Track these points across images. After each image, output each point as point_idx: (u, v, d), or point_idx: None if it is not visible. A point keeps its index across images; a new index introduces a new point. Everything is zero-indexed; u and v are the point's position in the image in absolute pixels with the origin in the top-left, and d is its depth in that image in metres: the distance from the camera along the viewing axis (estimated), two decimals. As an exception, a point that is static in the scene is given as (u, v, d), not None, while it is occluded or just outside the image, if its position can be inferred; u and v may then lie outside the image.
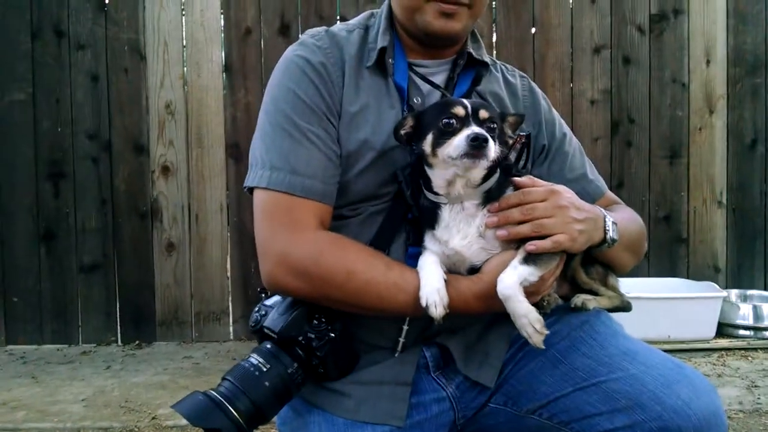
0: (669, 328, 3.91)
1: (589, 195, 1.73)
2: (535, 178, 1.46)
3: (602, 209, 1.52)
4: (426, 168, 1.44)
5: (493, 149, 1.33)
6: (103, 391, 3.51)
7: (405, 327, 1.50)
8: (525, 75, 1.87)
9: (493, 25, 4.52)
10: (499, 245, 1.42)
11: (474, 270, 1.43)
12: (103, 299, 4.44)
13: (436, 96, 1.65)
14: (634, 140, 4.55)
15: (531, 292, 1.36)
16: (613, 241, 1.48)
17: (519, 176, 1.46)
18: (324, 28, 1.64)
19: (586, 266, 1.56)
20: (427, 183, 1.45)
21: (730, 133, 4.59)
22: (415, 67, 1.65)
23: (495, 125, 1.40)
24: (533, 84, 1.85)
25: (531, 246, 1.35)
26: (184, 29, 4.45)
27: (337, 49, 1.58)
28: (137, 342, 4.41)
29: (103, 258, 4.43)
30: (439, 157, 1.38)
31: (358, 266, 1.42)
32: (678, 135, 4.57)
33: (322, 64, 1.54)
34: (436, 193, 1.44)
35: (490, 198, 1.43)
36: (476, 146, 1.31)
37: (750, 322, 4.03)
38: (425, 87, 1.65)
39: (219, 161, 4.41)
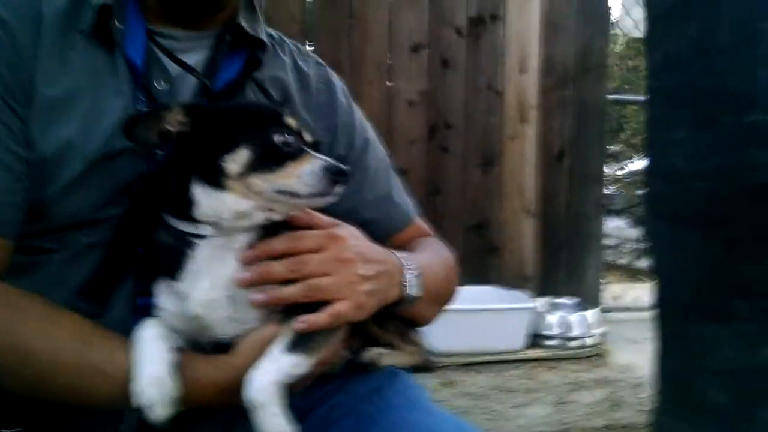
0: (479, 340, 3.80)
1: (393, 223, 1.39)
2: (315, 213, 1.08)
3: (401, 257, 1.18)
4: (201, 188, 0.99)
5: None
6: None
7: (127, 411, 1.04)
8: (323, 63, 1.48)
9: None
10: (255, 316, 1.00)
11: (221, 346, 1.01)
12: None
13: (189, 81, 1.20)
14: (450, 146, 4.40)
15: (305, 377, 1.00)
16: (413, 298, 1.15)
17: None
18: None
19: (379, 318, 1.20)
20: (184, 207, 1.01)
21: (540, 144, 4.60)
22: (158, 38, 1.18)
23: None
24: (332, 75, 1.46)
25: (300, 324, 0.97)
26: None
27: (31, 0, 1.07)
28: None
29: None
30: (253, 185, 0.97)
31: (38, 344, 0.96)
32: (491, 143, 4.49)
33: None
34: (195, 221, 1.00)
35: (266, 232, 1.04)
36: (336, 183, 1.00)
37: (557, 332, 4.04)
38: (174, 67, 1.19)
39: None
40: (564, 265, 4.67)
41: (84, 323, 1.02)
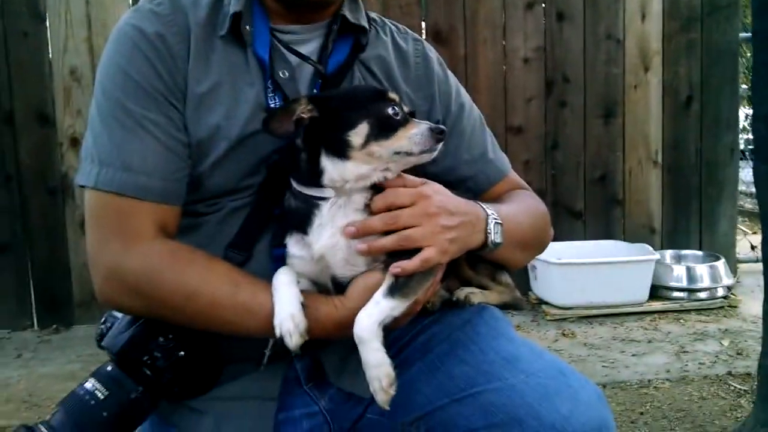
0: (602, 292, 3.85)
1: (488, 178, 1.56)
2: (406, 176, 1.28)
3: (487, 207, 1.35)
4: (329, 160, 1.23)
5: None
6: (8, 384, 3.28)
7: (272, 339, 1.33)
8: (420, 39, 1.66)
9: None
10: (364, 261, 1.24)
11: (339, 285, 1.26)
12: (14, 282, 4.16)
13: (306, 68, 1.44)
14: (569, 100, 4.40)
15: (405, 314, 1.21)
16: (496, 244, 1.32)
17: None
18: None
19: (472, 262, 1.40)
20: (313, 176, 1.25)
21: (665, 91, 4.47)
22: (279, 35, 1.42)
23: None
24: (428, 49, 1.64)
25: (396, 268, 1.18)
26: (86, -13, 4.08)
27: (181, 16, 1.35)
28: (54, 326, 4.16)
29: (12, 238, 4.13)
30: (374, 151, 1.21)
31: (200, 286, 1.23)
32: (613, 93, 4.44)
33: (159, 36, 1.31)
34: (321, 186, 1.25)
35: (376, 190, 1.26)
36: (438, 140, 1.22)
37: (684, 284, 4.00)
38: (293, 58, 1.43)
39: (132, 132, 4.10)
40: (695, 215, 4.54)
41: (234, 270, 1.28)
